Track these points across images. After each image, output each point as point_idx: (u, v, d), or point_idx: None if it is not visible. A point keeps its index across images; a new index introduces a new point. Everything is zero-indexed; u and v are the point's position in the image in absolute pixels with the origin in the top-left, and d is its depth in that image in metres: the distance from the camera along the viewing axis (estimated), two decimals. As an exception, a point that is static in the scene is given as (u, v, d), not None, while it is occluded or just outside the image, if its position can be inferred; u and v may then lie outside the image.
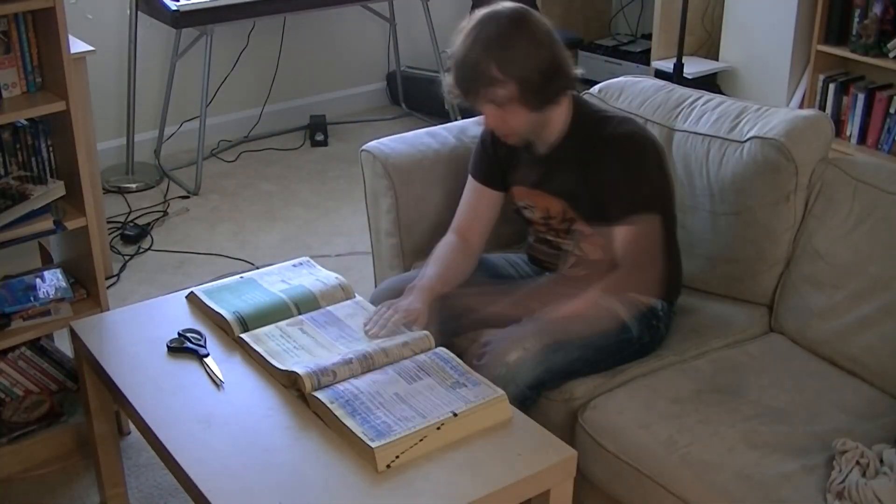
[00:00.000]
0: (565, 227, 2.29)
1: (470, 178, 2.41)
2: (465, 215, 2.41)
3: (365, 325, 2.15)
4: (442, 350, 2.06)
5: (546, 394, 2.19)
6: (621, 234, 2.15)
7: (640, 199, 2.16)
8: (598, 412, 2.13)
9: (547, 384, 2.17)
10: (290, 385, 1.97)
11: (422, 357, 2.03)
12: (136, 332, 2.22)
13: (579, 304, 2.15)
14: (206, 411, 1.94)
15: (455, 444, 1.83)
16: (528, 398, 2.14)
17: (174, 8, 3.89)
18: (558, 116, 2.21)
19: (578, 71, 2.22)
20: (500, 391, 1.92)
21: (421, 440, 1.79)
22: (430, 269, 2.30)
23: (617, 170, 2.15)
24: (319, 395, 1.89)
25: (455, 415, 1.84)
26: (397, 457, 1.76)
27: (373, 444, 1.75)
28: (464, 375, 1.97)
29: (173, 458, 1.82)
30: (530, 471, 1.79)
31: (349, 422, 1.82)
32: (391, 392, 1.91)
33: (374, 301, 2.32)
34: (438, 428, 1.81)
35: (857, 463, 1.89)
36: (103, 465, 2.38)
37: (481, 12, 2.15)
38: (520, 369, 2.11)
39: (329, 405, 1.86)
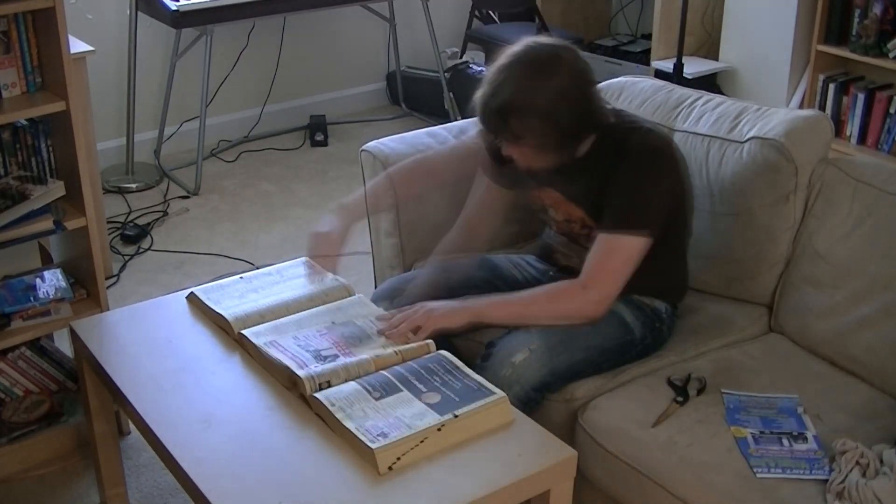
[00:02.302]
0: (585, 232, 2.28)
1: (479, 173, 2.40)
2: (474, 209, 2.40)
3: (378, 330, 2.15)
4: (443, 353, 2.06)
5: (548, 395, 2.19)
6: (599, 246, 2.13)
7: (634, 214, 2.13)
8: (599, 412, 2.13)
9: (550, 386, 2.17)
10: (290, 386, 1.97)
11: (423, 360, 2.03)
12: (136, 332, 2.22)
13: (513, 306, 2.18)
14: (206, 411, 1.94)
15: (456, 445, 1.83)
16: (532, 400, 2.14)
17: (174, 8, 3.89)
18: (585, 143, 2.17)
19: (607, 106, 2.18)
20: (501, 393, 1.92)
21: (422, 442, 1.79)
22: (427, 276, 2.32)
23: (624, 179, 2.13)
24: (320, 396, 1.89)
25: (456, 416, 1.84)
26: (399, 458, 1.76)
27: (373, 446, 1.75)
28: (465, 377, 1.97)
29: (173, 458, 1.82)
30: (530, 471, 1.79)
31: (350, 424, 1.82)
32: (393, 394, 1.91)
33: (374, 301, 2.32)
34: (439, 429, 1.81)
35: (857, 463, 1.89)
36: (103, 465, 2.38)
37: (518, 49, 2.09)
38: (525, 370, 2.11)
39: (330, 407, 1.86)
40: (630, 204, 2.13)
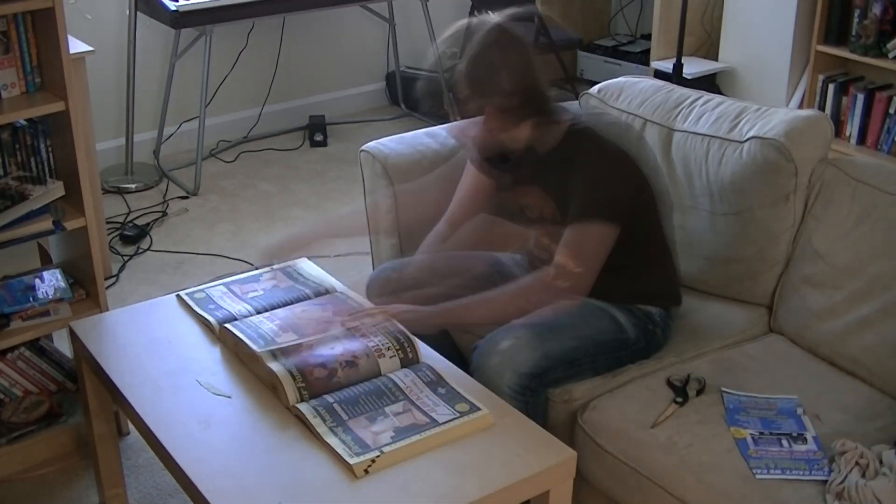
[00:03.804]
0: (559, 230, 2.28)
1: (468, 164, 2.42)
2: (457, 201, 2.42)
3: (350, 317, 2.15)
4: (426, 364, 2.05)
5: (548, 391, 2.18)
6: (567, 232, 2.13)
7: (596, 201, 2.12)
8: (598, 413, 2.13)
9: (549, 373, 2.15)
10: (271, 389, 1.96)
11: (407, 371, 2.02)
12: (135, 332, 2.22)
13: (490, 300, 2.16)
14: (206, 411, 1.94)
15: (454, 445, 1.83)
16: (529, 389, 2.11)
17: (173, 8, 3.89)
18: (546, 131, 2.18)
19: (550, 90, 2.22)
20: (485, 409, 1.90)
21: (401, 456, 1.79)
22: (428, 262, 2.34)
23: (584, 168, 2.14)
24: (302, 407, 1.88)
25: (435, 433, 1.83)
26: (372, 462, 1.76)
27: (352, 461, 1.75)
28: (449, 392, 1.95)
29: (172, 459, 1.82)
30: (530, 471, 1.79)
31: (331, 439, 1.81)
32: (375, 406, 1.90)
33: (369, 288, 2.36)
34: (418, 444, 1.81)
35: (857, 464, 1.89)
36: (102, 466, 2.38)
37: (474, 33, 2.16)
38: (514, 355, 2.10)
39: (311, 419, 1.85)
40: (592, 193, 2.13)
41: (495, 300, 2.16)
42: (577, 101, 2.80)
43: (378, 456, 1.76)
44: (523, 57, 2.14)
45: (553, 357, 2.14)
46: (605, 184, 2.14)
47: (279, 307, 2.23)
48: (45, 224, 2.45)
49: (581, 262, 2.12)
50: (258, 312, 2.21)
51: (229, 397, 1.98)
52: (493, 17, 2.17)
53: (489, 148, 2.26)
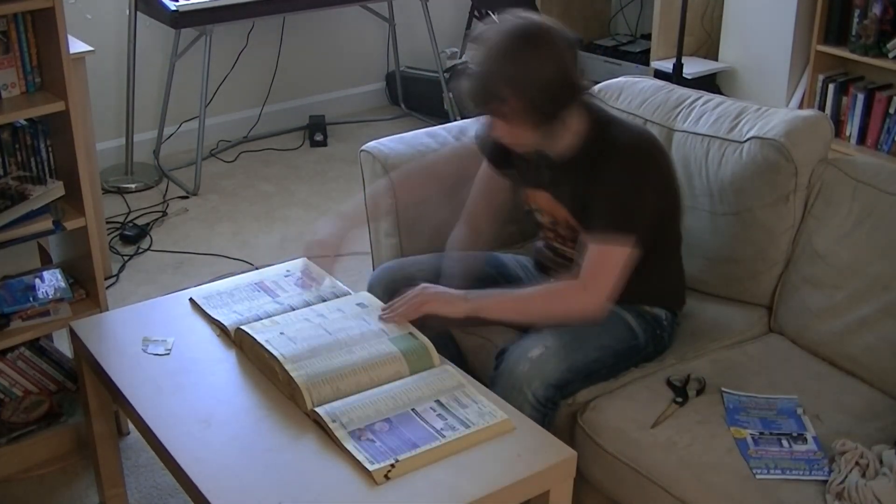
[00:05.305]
0: (570, 234, 2.28)
1: (484, 162, 2.42)
2: (474, 200, 2.43)
3: (383, 310, 2.16)
4: (448, 367, 2.04)
5: (562, 401, 2.17)
6: (592, 250, 2.13)
7: (622, 218, 2.11)
8: (598, 413, 2.13)
9: (570, 385, 2.14)
10: (290, 396, 1.96)
11: (427, 374, 2.01)
12: (135, 332, 2.22)
13: (511, 299, 2.18)
14: (206, 411, 1.93)
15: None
16: (551, 401, 2.10)
17: (173, 8, 3.89)
18: (568, 128, 2.16)
19: (587, 82, 2.17)
20: (504, 415, 1.89)
21: (419, 461, 1.79)
22: (432, 263, 2.35)
23: (611, 181, 2.11)
24: (321, 411, 1.87)
25: (455, 439, 1.82)
26: (392, 467, 1.76)
27: (371, 468, 1.75)
28: (469, 396, 1.95)
29: (173, 459, 1.82)
30: (530, 471, 1.79)
31: (350, 445, 1.80)
32: (394, 413, 1.88)
33: (371, 288, 2.35)
34: (437, 450, 1.80)
35: (857, 464, 1.89)
36: (102, 466, 2.38)
37: (499, 23, 2.12)
38: (544, 365, 2.09)
39: (330, 424, 1.84)
40: (618, 209, 2.12)
41: (525, 300, 2.17)
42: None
43: (396, 462, 1.76)
44: (562, 58, 2.10)
45: (576, 370, 2.14)
46: (631, 204, 2.12)
47: (299, 309, 2.22)
48: (45, 224, 2.45)
49: (605, 284, 2.12)
50: (277, 314, 2.19)
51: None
52: (535, 16, 2.13)
53: (524, 149, 2.22)
